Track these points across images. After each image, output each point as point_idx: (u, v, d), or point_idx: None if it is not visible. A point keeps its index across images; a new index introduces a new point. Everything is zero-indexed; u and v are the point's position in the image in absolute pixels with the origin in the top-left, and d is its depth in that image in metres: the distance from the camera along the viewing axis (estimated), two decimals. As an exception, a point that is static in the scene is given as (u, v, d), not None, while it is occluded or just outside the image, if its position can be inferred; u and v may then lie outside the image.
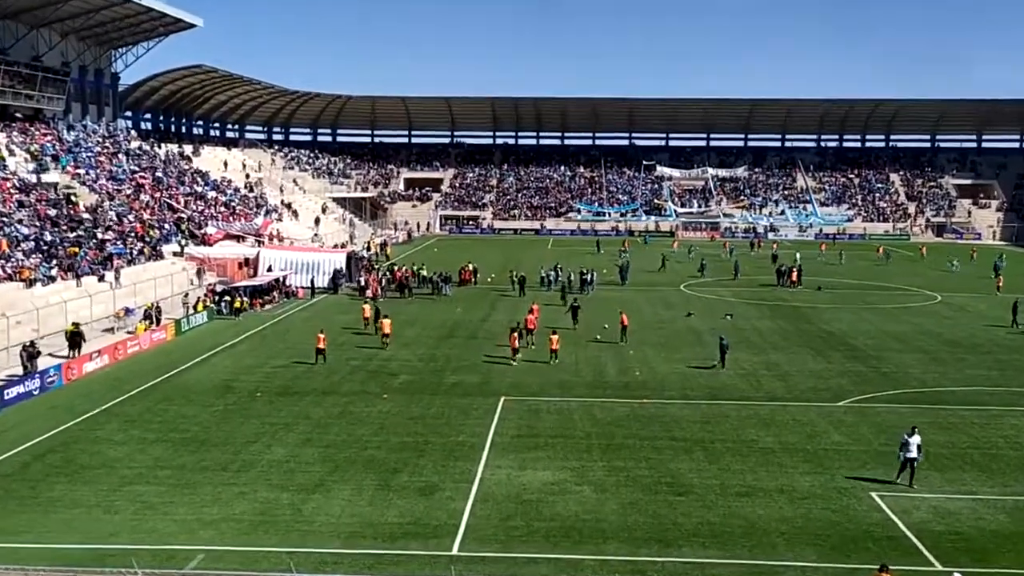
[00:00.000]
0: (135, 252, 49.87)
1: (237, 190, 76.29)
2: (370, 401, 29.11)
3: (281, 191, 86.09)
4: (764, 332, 41.95)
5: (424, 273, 57.15)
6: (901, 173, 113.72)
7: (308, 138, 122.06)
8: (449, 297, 52.51)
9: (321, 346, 34.85)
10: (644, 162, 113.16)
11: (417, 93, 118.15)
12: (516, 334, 35.00)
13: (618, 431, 25.92)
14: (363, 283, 53.33)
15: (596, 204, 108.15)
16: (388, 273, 56.65)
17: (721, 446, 24.56)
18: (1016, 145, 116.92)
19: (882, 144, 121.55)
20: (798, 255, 71.57)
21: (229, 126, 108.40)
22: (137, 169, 65.57)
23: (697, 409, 28.38)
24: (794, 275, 57.35)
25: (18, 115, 62.16)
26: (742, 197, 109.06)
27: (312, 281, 53.31)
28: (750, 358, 35.98)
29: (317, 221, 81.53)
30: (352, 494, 20.78)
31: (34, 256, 43.16)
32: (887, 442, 24.88)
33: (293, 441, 24.75)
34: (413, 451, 23.89)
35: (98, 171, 60.70)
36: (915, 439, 21.43)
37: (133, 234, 52.45)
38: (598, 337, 38.93)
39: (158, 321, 40.95)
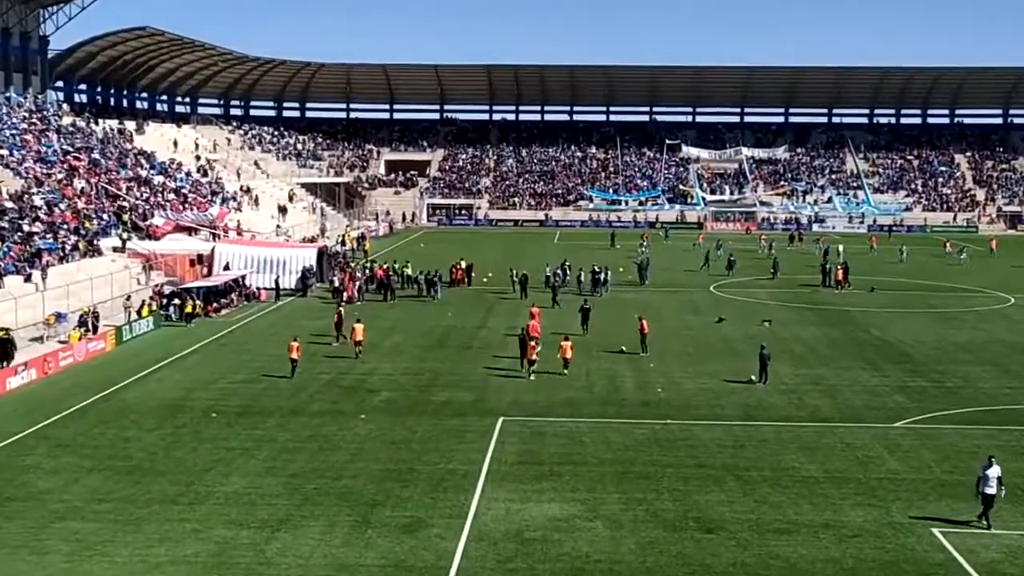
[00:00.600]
0: (68, 247, 49.92)
1: (189, 174, 76.35)
2: (345, 422, 29.09)
3: (240, 175, 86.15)
4: (808, 341, 41.99)
5: (409, 272, 57.17)
6: (968, 154, 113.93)
7: (272, 113, 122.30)
8: (438, 300, 52.56)
9: (295, 356, 34.94)
10: (667, 141, 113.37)
11: (400, 60, 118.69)
12: (533, 343, 35.05)
13: (636, 457, 25.92)
14: (337, 284, 53.38)
15: (610, 191, 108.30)
16: (368, 271, 56.70)
17: (757, 475, 24.57)
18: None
19: (946, 120, 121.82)
20: (841, 248, 71.67)
21: (179, 99, 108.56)
22: (70, 149, 65.62)
23: (729, 431, 28.38)
24: (839, 273, 57.51)
25: (-71, 87, 62.33)
26: (782, 182, 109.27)
27: (277, 281, 53.38)
28: (791, 371, 36.00)
29: (283, 211, 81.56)
30: (324, 532, 20.79)
31: (-51, 252, 43.26)
32: (952, 470, 24.93)
33: (255, 469, 24.74)
34: (396, 481, 23.88)
35: (24, 152, 60.75)
36: (994, 471, 21.36)
37: (65, 226, 52.49)
38: (623, 349, 38.96)
39: (95, 329, 40.95)
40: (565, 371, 35.01)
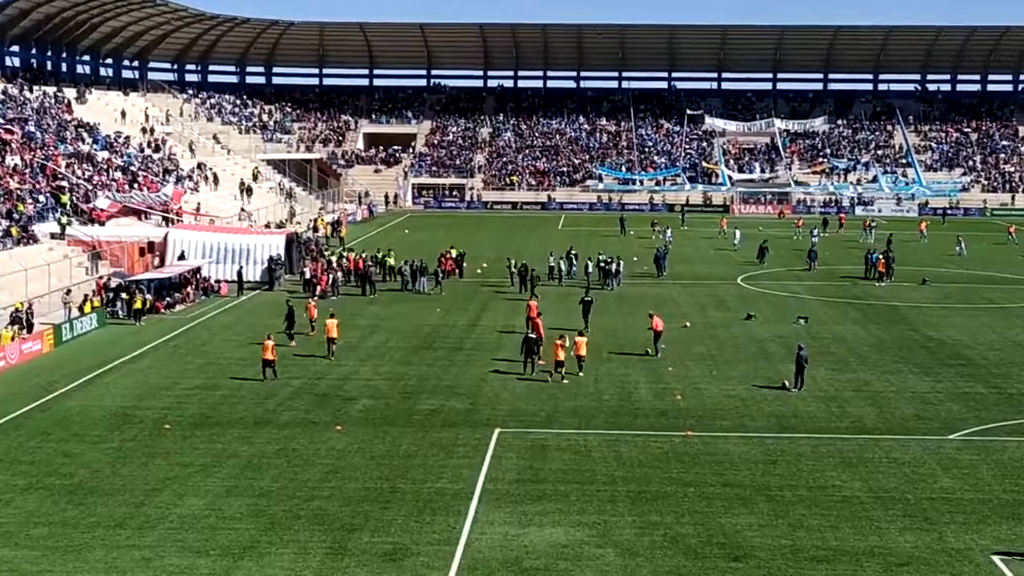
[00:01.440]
0: (-1, 234, 49.95)
1: (140, 149, 76.26)
2: (318, 435, 29.10)
3: (197, 151, 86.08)
4: (850, 341, 42.02)
5: (391, 262, 57.20)
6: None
7: (233, 80, 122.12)
8: (425, 294, 52.57)
9: (269, 357, 35.00)
10: (688, 111, 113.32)
11: (382, 18, 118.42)
12: (561, 341, 35.21)
13: (653, 475, 25.95)
14: (309, 275, 53.41)
15: (623, 169, 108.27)
16: (344, 261, 56.73)
17: (791, 495, 24.61)
18: None
19: (1009, 87, 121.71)
20: (873, 230, 71.47)
21: (127, 63, 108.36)
22: (1, 120, 65.49)
23: (760, 445, 28.41)
24: (881, 264, 57.48)
25: None
26: (820, 159, 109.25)
27: (240, 273, 53.38)
28: (831, 376, 36.04)
29: (248, 191, 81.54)
30: (294, 560, 20.81)
31: None
32: (1014, 488, 24.98)
33: (214, 488, 24.75)
34: (376, 502, 23.91)
35: (-51, 124, 60.65)
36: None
37: (-3, 209, 52.48)
38: (648, 352, 38.94)
39: (30, 327, 40.93)
40: (580, 373, 35.33)
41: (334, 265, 55.53)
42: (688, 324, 44.48)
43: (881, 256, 58.49)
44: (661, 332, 38.82)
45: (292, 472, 25.95)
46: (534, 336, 36.70)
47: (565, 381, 34.62)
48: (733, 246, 71.69)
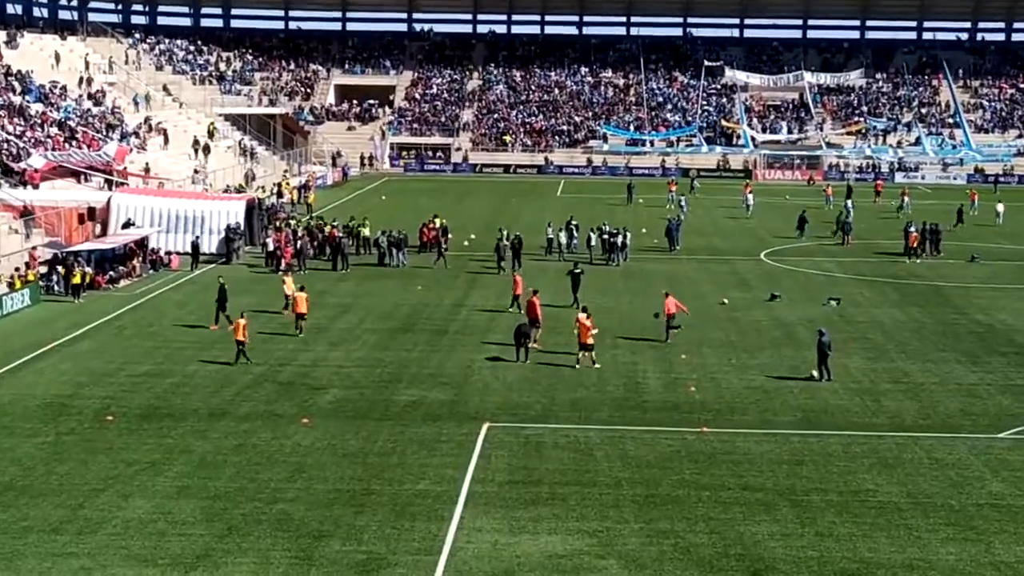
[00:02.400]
0: (-82, 197, 49.67)
1: (79, 101, 75.82)
2: (282, 429, 29.07)
3: (144, 104, 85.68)
4: (888, 326, 42.07)
5: (366, 233, 57.06)
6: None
7: (187, 22, 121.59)
8: (405, 269, 52.53)
9: (241, 337, 35.01)
10: (706, 63, 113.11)
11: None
12: (586, 314, 35.44)
13: (663, 476, 25.99)
14: (272, 247, 53.27)
15: (631, 128, 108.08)
16: (312, 231, 56.59)
17: (819, 499, 24.67)
18: None
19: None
20: (905, 202, 71.71)
21: (64, 2, 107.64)
22: (-80, 68, 65.03)
23: (784, 443, 28.43)
24: (913, 238, 57.29)
25: None
26: (856, 118, 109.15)
27: (195, 244, 53.19)
28: (865, 365, 36.09)
29: (206, 150, 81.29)
30: (254, 571, 20.80)
31: None
32: (1073, 494, 25.09)
33: (164, 489, 24.73)
34: (348, 505, 23.92)
35: None
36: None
37: (-85, 169, 52.18)
38: (657, 315, 38.96)
39: (-46, 304, 40.77)
40: (592, 356, 35.65)
41: (300, 234, 55.37)
42: (726, 301, 45.06)
43: (915, 229, 58.27)
44: (673, 315, 38.79)
45: (252, 471, 25.90)
46: (530, 318, 36.73)
47: (597, 366, 34.85)
48: (745, 213, 72.03)
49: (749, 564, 21.38)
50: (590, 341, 35.01)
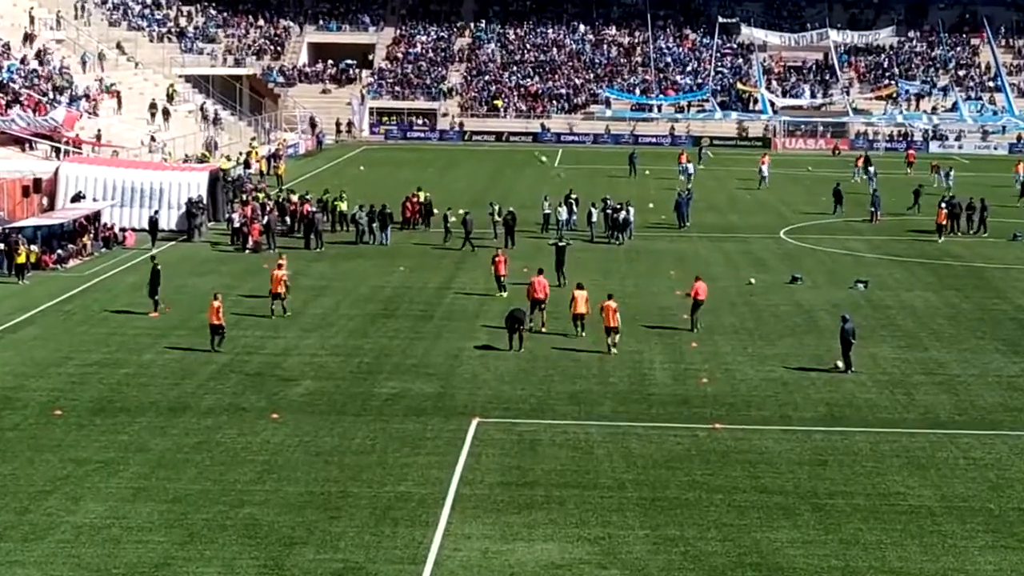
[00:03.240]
0: None
1: (23, 61, 75.52)
2: (250, 425, 29.12)
3: (94, 64, 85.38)
4: (920, 311, 42.19)
5: (344, 207, 57.03)
6: None
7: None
8: (386, 247, 52.59)
9: (217, 321, 35.06)
10: (720, 19, 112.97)
11: None
12: (612, 305, 35.70)
13: (671, 478, 26.09)
14: (238, 223, 53.22)
15: (637, 92, 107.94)
16: (287, 205, 56.55)
17: (844, 503, 24.77)
18: None
19: None
20: (947, 174, 71.73)
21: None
22: None
23: (806, 441, 28.55)
24: (941, 215, 57.16)
25: None
26: (886, 81, 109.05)
27: (154, 219, 53.05)
28: (896, 355, 36.20)
29: (166, 114, 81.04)
30: (219, 581, 20.96)
31: None
32: (1124, 497, 25.25)
33: (118, 491, 24.77)
34: (323, 510, 23.99)
35: None
36: None
37: None
38: (696, 327, 38.99)
39: None
40: (582, 333, 36.21)
41: (269, 208, 55.30)
42: (753, 280, 45.62)
43: (944, 205, 58.19)
44: (703, 302, 38.90)
45: (216, 472, 25.95)
46: (538, 299, 37.35)
47: (614, 351, 35.16)
48: (760, 181, 72.78)
49: (766, 574, 21.49)
50: (616, 323, 35.40)
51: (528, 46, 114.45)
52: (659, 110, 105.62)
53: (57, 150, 61.45)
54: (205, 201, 56.24)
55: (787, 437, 28.78)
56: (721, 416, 30.25)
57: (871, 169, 73.48)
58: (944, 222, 56.95)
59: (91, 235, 51.14)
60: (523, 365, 34.56)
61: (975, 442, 28.63)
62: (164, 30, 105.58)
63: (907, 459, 27.40)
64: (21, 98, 67.53)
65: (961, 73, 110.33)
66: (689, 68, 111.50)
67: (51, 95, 71.25)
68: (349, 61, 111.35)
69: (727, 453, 27.60)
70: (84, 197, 54.03)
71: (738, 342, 37.51)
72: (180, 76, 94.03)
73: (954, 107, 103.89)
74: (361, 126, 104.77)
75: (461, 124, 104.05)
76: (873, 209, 62.11)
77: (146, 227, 53.09)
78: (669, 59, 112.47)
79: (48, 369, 33.71)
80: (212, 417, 29.63)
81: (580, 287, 37.37)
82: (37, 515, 23.51)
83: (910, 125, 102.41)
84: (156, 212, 53.74)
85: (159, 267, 40.67)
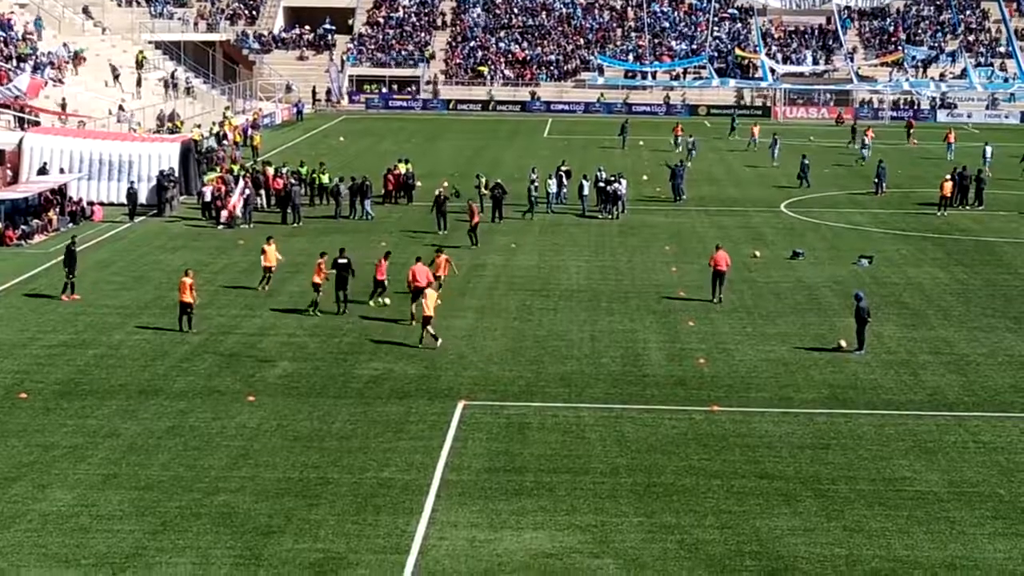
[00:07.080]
0: None
1: (-20, 26, 75.09)
2: (224, 408, 29.05)
3: (60, 28, 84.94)
4: (928, 288, 42.21)
5: (323, 180, 56.88)
6: None
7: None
8: (368, 222, 52.54)
9: (188, 299, 34.92)
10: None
11: None
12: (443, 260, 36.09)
13: (666, 463, 26.06)
14: (210, 197, 53.01)
15: (630, 58, 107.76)
16: (260, 178, 56.36)
17: (848, 489, 24.78)
18: None
19: None
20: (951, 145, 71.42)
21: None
22: None
23: (808, 424, 28.54)
24: (947, 187, 57.02)
25: None
26: (892, 47, 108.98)
27: (132, 192, 52.63)
28: (902, 334, 36.20)
29: (137, 82, 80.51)
30: (193, 571, 20.81)
31: None
32: None
33: (87, 478, 24.69)
34: (301, 497, 23.94)
35: None
36: None
37: None
38: (718, 299, 38.90)
39: None
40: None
41: (242, 182, 55.01)
42: (757, 254, 45.91)
43: (948, 177, 58.04)
44: (725, 272, 38.93)
45: (190, 457, 25.86)
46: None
47: (439, 342, 34.11)
48: (749, 144, 72.38)
49: (766, 563, 21.48)
50: (431, 312, 33.93)
51: (515, 10, 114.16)
52: (653, 78, 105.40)
53: (21, 120, 61.10)
54: (177, 174, 55.95)
55: (788, 420, 28.77)
56: (719, 398, 30.22)
57: (866, 140, 73.38)
58: (948, 194, 56.84)
59: (57, 209, 50.87)
60: (511, 345, 34.50)
61: (984, 425, 28.66)
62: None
63: (913, 443, 27.40)
64: (-17, 65, 67.20)
65: (970, 38, 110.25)
66: (685, 33, 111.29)
67: (14, 63, 70.82)
68: (327, 26, 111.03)
69: (725, 437, 27.58)
70: (48, 170, 53.68)
71: (737, 321, 37.48)
72: (150, 42, 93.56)
73: (963, 74, 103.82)
74: (340, 95, 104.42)
75: (436, 93, 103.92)
76: (877, 181, 62.10)
77: (114, 201, 52.77)
78: (664, 24, 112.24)
79: (13, 350, 33.53)
80: (185, 400, 29.52)
81: (439, 250, 37.87)
82: (2, 503, 23.41)
83: (917, 93, 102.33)
84: (133, 183, 53.40)
85: (75, 247, 39.80)
